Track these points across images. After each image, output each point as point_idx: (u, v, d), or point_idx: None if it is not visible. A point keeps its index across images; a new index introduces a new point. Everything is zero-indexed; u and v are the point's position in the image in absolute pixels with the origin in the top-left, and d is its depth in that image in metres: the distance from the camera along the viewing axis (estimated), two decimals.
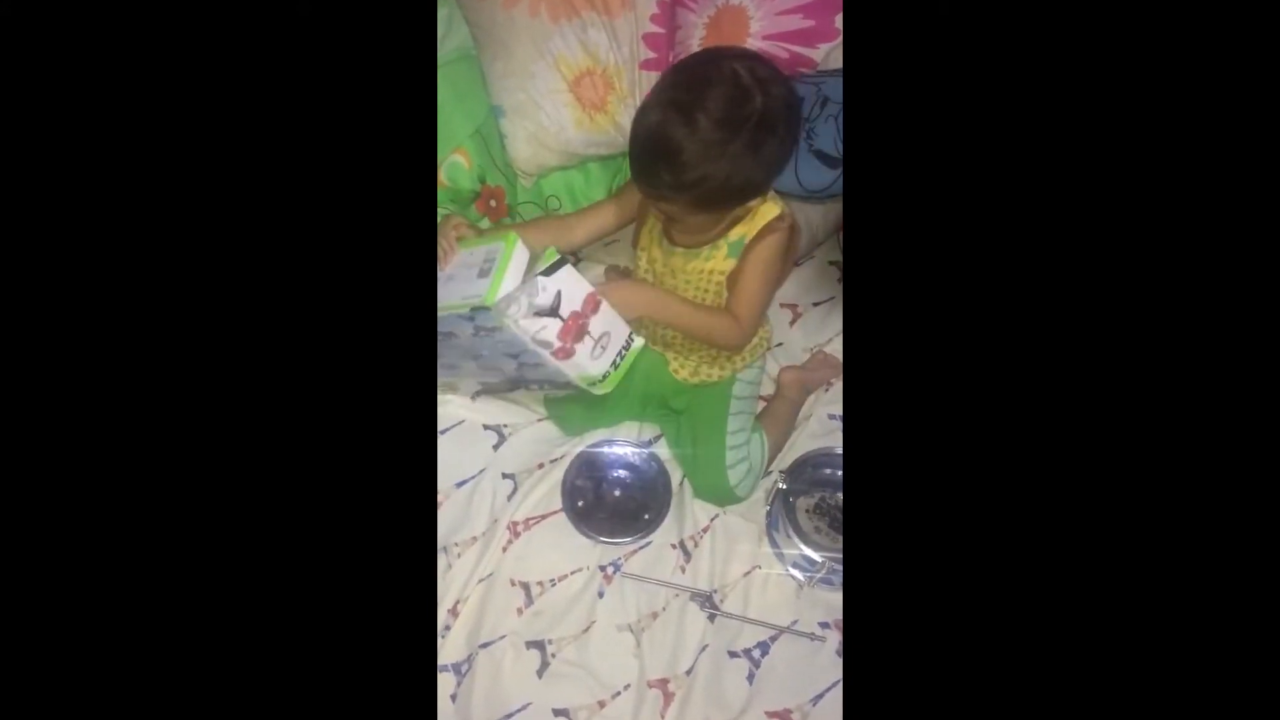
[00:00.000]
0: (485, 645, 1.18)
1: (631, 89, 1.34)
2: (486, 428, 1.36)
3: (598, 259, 1.48)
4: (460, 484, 1.31)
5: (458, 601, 1.21)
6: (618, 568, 1.25)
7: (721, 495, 1.25)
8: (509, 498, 1.30)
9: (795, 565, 1.23)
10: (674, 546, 1.26)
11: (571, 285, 0.95)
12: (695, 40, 1.33)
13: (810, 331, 1.45)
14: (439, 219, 1.10)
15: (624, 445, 1.34)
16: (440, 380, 1.24)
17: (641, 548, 1.26)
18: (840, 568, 1.19)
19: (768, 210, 1.06)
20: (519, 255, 0.95)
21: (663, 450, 1.34)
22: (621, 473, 1.33)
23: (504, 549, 1.25)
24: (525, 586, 1.23)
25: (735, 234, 1.07)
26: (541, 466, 1.33)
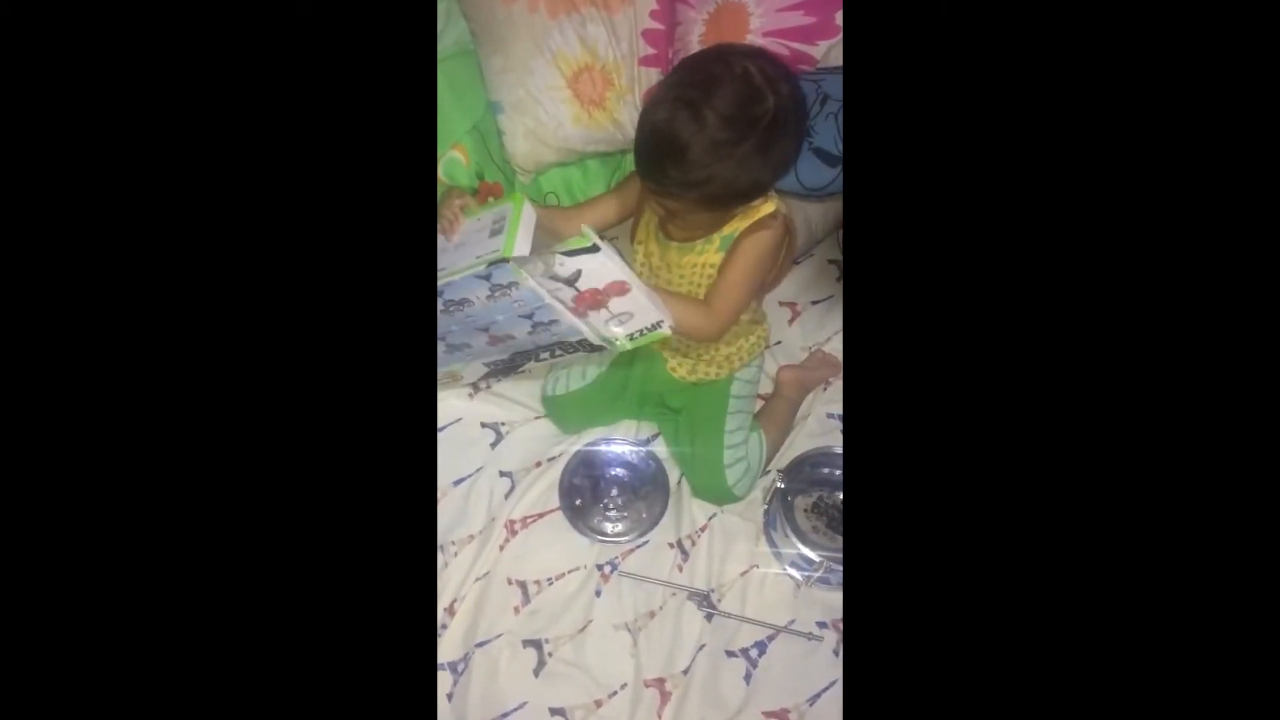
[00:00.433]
0: (482, 644, 1.18)
1: (631, 85, 1.33)
2: (484, 425, 1.36)
3: None
4: (457, 482, 1.31)
5: (454, 600, 1.21)
6: (615, 566, 1.24)
7: (719, 494, 1.25)
8: (506, 496, 1.30)
9: (793, 564, 1.23)
10: (671, 545, 1.26)
11: (596, 267, 0.94)
12: (695, 36, 1.32)
13: (809, 330, 1.45)
14: (440, 194, 1.09)
15: (622, 444, 1.34)
16: (443, 370, 1.23)
17: (639, 546, 1.26)
18: (838, 567, 1.19)
19: (763, 206, 1.06)
20: (528, 214, 0.94)
21: (661, 449, 1.34)
22: (619, 471, 1.33)
23: (501, 547, 1.25)
24: (522, 585, 1.23)
25: (729, 228, 1.06)
26: (539, 465, 1.32)
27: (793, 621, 1.18)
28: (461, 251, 0.97)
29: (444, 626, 1.19)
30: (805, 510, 1.27)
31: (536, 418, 1.37)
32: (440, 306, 1.02)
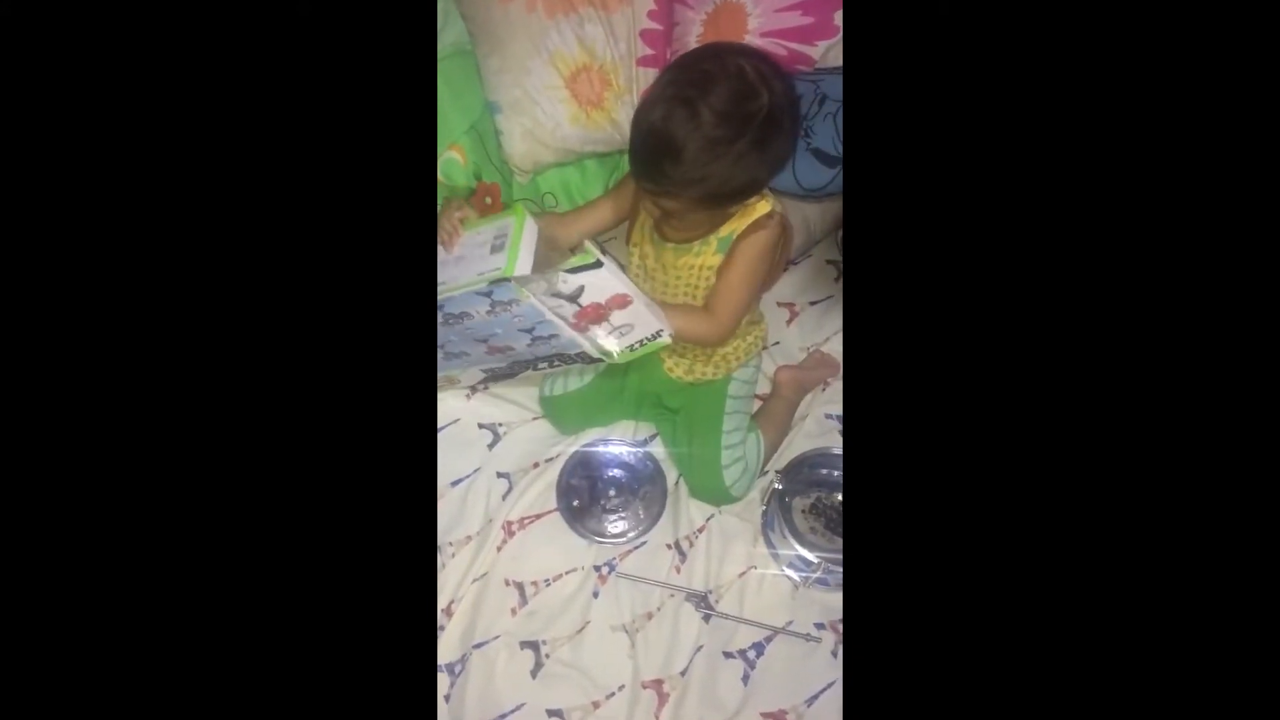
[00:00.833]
0: (479, 645, 1.18)
1: (629, 85, 1.33)
2: (481, 426, 1.36)
3: None
4: (455, 483, 1.31)
5: (452, 601, 1.21)
6: (613, 568, 1.24)
7: (717, 495, 1.25)
8: (504, 497, 1.30)
9: (791, 566, 1.23)
10: (669, 546, 1.26)
11: (599, 282, 0.94)
12: (693, 36, 1.32)
13: (807, 330, 1.44)
14: (438, 205, 1.09)
15: (619, 444, 1.34)
16: (441, 374, 1.23)
17: (636, 548, 1.26)
18: (835, 568, 1.19)
19: (758, 207, 1.05)
20: (530, 228, 0.94)
21: (658, 449, 1.34)
22: (617, 472, 1.33)
23: (498, 548, 1.25)
24: (520, 586, 1.23)
25: (725, 229, 1.06)
26: (536, 466, 1.32)
27: (790, 623, 1.18)
28: (461, 266, 0.96)
29: (441, 628, 1.19)
30: (803, 511, 1.26)
31: (534, 418, 1.37)
32: (440, 319, 1.02)
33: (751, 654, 1.17)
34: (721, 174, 0.93)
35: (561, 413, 1.34)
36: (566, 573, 1.24)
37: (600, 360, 1.05)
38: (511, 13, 1.29)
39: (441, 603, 1.20)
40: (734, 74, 0.91)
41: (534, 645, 1.18)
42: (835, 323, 1.44)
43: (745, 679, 1.15)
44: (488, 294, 0.94)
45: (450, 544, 1.26)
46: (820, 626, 1.18)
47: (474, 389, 1.38)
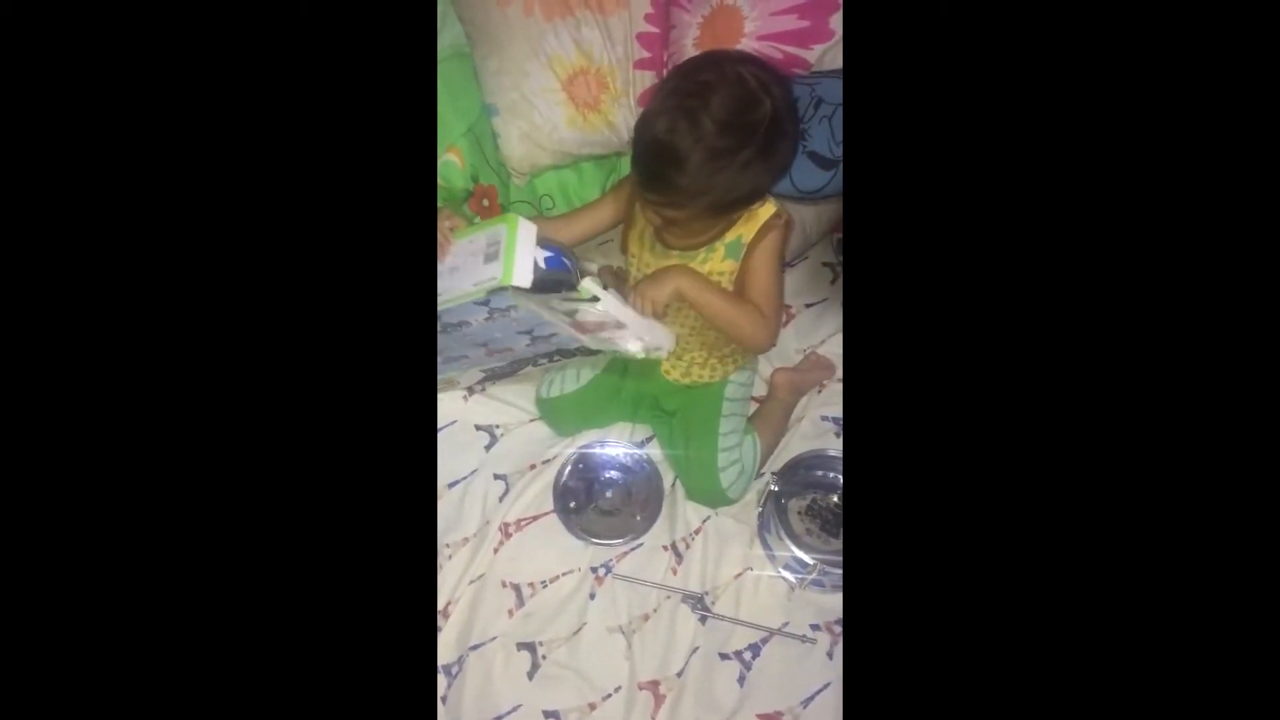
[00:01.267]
0: (476, 647, 1.18)
1: (625, 88, 1.33)
2: (479, 428, 1.37)
3: (590, 258, 1.48)
4: (452, 484, 1.31)
5: (449, 603, 1.21)
6: (609, 569, 1.25)
7: (713, 497, 1.26)
8: (501, 499, 1.30)
9: (787, 567, 1.23)
10: (666, 548, 1.27)
11: (596, 314, 0.96)
12: (689, 40, 1.33)
13: (803, 333, 1.45)
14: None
15: (616, 446, 1.34)
16: (440, 376, 1.24)
17: (633, 549, 1.26)
18: (831, 570, 1.19)
19: (764, 210, 1.06)
20: (524, 231, 0.93)
21: (655, 451, 1.34)
22: (613, 474, 1.33)
23: (495, 550, 1.26)
24: (516, 588, 1.23)
25: (731, 235, 1.07)
26: (533, 467, 1.33)
27: (786, 624, 1.19)
28: (456, 276, 0.96)
29: (438, 629, 1.19)
30: (799, 513, 1.27)
31: (531, 420, 1.37)
32: (438, 328, 1.02)
33: (747, 655, 1.17)
34: (727, 183, 0.93)
35: (559, 415, 1.34)
36: (563, 574, 1.24)
37: (599, 352, 1.06)
38: (510, 16, 1.29)
39: (439, 604, 1.21)
40: (734, 82, 0.91)
41: (531, 646, 1.19)
42: (831, 325, 1.44)
43: (741, 680, 1.16)
44: (485, 303, 0.95)
45: (447, 545, 1.26)
46: (816, 628, 1.18)
47: (471, 390, 1.38)
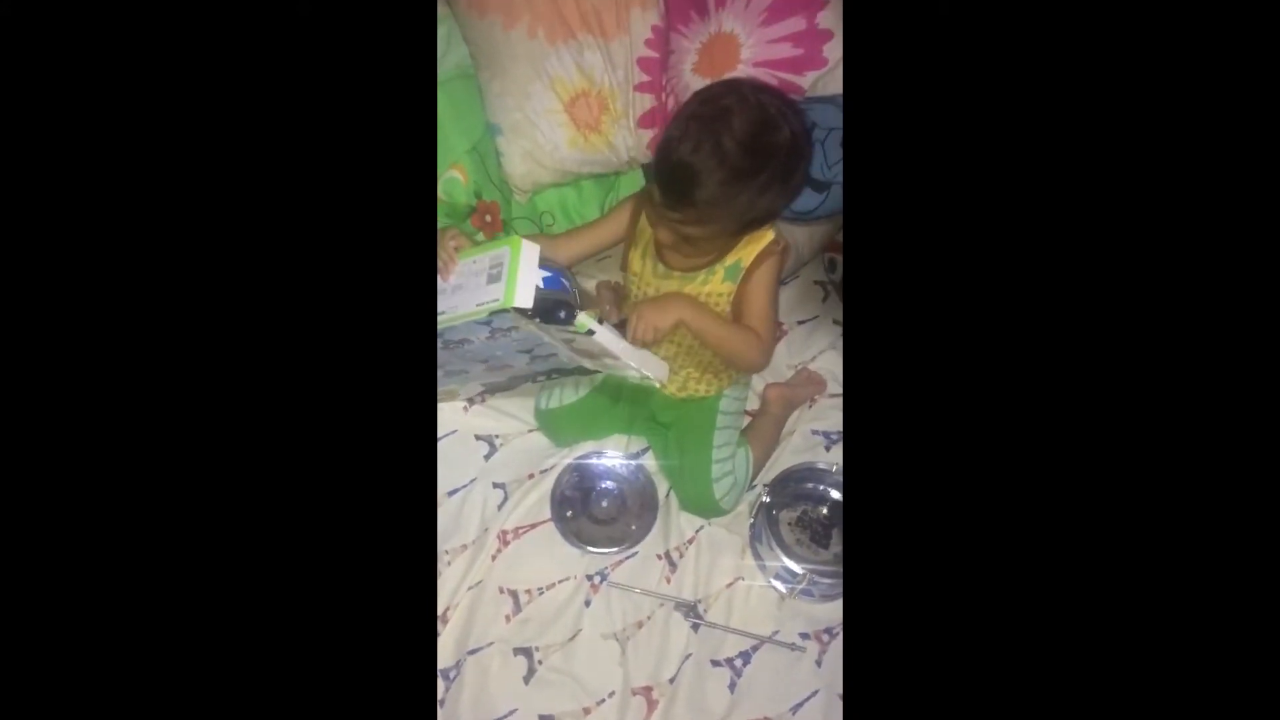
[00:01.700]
0: (473, 651, 1.20)
1: (625, 110, 1.36)
2: (478, 438, 1.39)
3: (589, 274, 1.51)
4: (452, 493, 1.33)
5: (447, 608, 1.23)
6: (604, 577, 1.27)
7: (707, 508, 1.28)
8: (499, 507, 1.32)
9: (777, 577, 1.26)
10: (660, 557, 1.29)
11: (590, 344, 0.98)
12: (688, 64, 1.37)
13: (795, 349, 1.48)
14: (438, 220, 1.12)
15: (612, 457, 1.37)
16: (441, 388, 1.26)
17: (628, 558, 1.29)
18: (820, 580, 1.22)
19: (762, 235, 1.09)
20: (528, 252, 0.95)
21: (650, 463, 1.36)
22: (609, 484, 1.36)
23: (493, 557, 1.28)
24: (514, 594, 1.26)
25: (731, 258, 1.09)
26: (532, 477, 1.35)
27: (776, 632, 1.22)
28: (459, 295, 0.98)
29: (437, 634, 1.21)
30: (790, 524, 1.30)
31: (530, 431, 1.39)
32: (440, 345, 1.04)
33: (738, 662, 1.20)
34: (746, 203, 0.97)
35: (557, 426, 1.36)
36: (559, 581, 1.27)
37: (597, 372, 1.08)
38: (514, 39, 1.32)
39: (438, 609, 1.23)
40: (755, 107, 0.95)
41: (527, 652, 1.21)
42: (822, 341, 1.47)
43: (732, 687, 1.18)
44: (487, 323, 0.96)
45: (446, 552, 1.28)
46: (805, 636, 1.21)
47: (471, 401, 1.40)
